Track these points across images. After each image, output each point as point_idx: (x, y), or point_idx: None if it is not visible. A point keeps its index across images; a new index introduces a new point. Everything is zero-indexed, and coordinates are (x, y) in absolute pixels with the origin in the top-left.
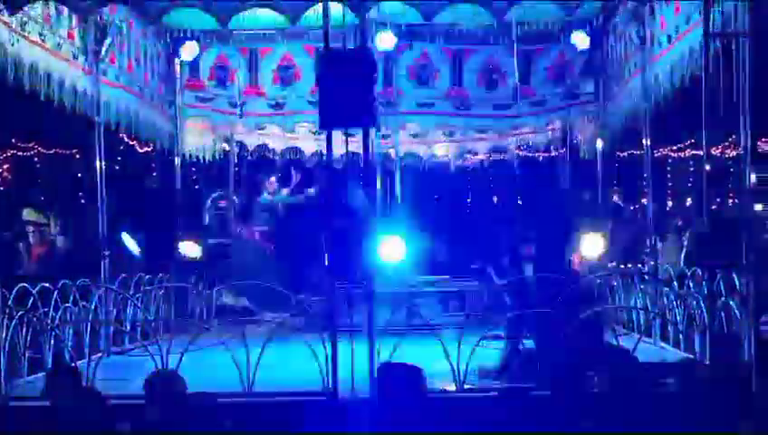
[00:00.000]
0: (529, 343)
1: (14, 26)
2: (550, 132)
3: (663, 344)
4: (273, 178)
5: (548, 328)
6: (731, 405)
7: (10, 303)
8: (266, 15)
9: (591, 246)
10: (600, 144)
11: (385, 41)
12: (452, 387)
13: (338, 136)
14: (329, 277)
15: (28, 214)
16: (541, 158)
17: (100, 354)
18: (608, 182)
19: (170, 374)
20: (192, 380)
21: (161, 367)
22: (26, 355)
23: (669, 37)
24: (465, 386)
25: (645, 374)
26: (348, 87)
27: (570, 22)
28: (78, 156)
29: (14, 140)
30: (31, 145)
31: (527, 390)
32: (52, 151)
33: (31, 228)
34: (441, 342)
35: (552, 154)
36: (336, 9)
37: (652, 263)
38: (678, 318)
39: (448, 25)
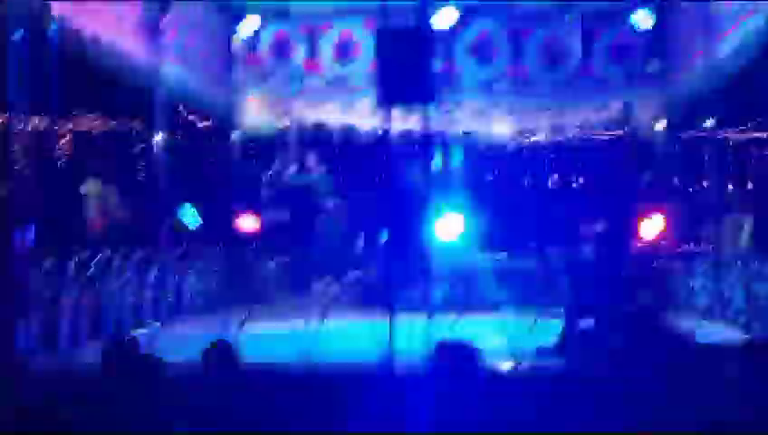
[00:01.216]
0: (587, 323)
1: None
2: (611, 112)
3: (724, 326)
4: (312, 156)
5: (607, 308)
6: None
7: (71, 272)
8: None
9: (651, 227)
10: (661, 125)
11: (445, 18)
12: (509, 365)
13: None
14: (387, 254)
15: (89, 186)
16: (601, 137)
17: (158, 324)
18: (669, 163)
19: (226, 345)
20: (249, 351)
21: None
22: (86, 324)
23: (735, 15)
24: (522, 364)
25: (705, 356)
26: (406, 63)
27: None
28: (138, 129)
29: (75, 113)
30: (92, 118)
31: (584, 369)
32: (113, 124)
33: (91, 200)
34: (498, 320)
35: (613, 134)
36: None
37: (713, 245)
38: (740, 300)
39: (508, 3)
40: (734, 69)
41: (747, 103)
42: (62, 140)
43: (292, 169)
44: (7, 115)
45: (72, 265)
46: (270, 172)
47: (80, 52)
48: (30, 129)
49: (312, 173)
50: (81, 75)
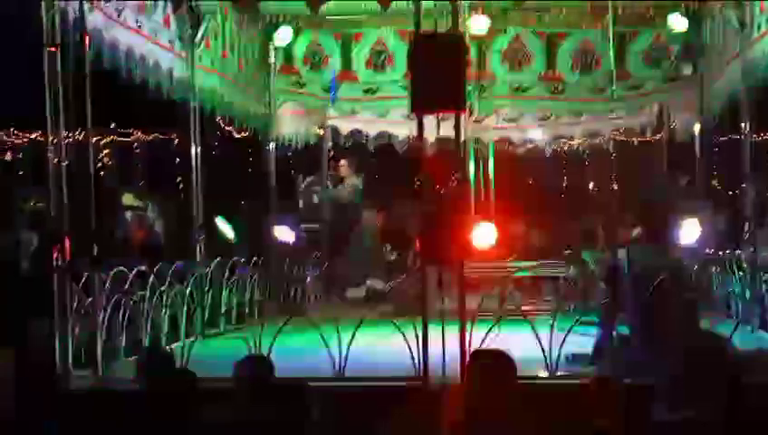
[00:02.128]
0: (623, 330)
1: (110, 13)
2: (646, 116)
3: (761, 332)
4: (342, 162)
5: (642, 315)
6: None
7: (107, 286)
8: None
9: (690, 231)
10: (697, 128)
11: (478, 25)
12: (544, 374)
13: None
14: (421, 261)
15: (127, 199)
16: (637, 142)
17: (194, 337)
18: (706, 167)
19: (258, 359)
20: (284, 363)
21: (253, 351)
22: (123, 338)
23: None
24: (558, 373)
25: (740, 362)
26: (439, 71)
27: (666, 4)
28: (176, 141)
29: (113, 126)
30: (130, 130)
31: (619, 377)
32: (150, 137)
33: (130, 213)
34: (533, 328)
35: (649, 138)
36: None
37: (750, 249)
38: None
39: (541, 9)
40: None
41: None
42: (101, 154)
43: (326, 180)
44: (46, 129)
45: (108, 278)
46: (306, 182)
47: (115, 65)
48: (68, 142)
49: (346, 183)
50: (117, 88)
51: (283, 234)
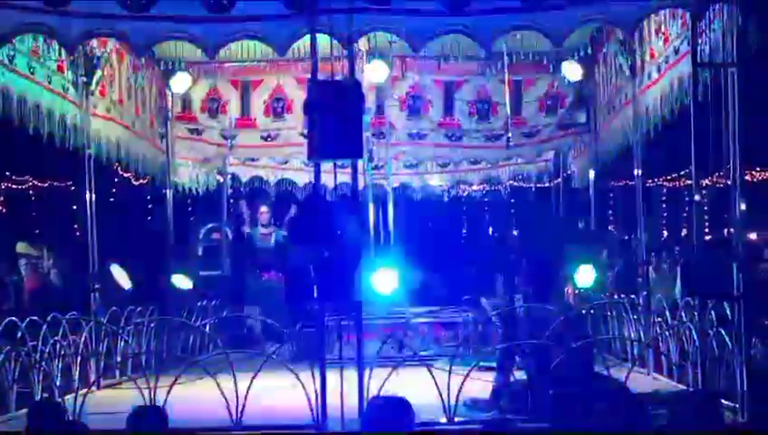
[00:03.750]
0: (520, 375)
1: (2, 60)
2: (543, 163)
3: (656, 375)
4: (264, 208)
5: (539, 359)
6: None
7: None
8: (254, 47)
9: (585, 276)
10: (592, 174)
11: (377, 72)
12: (442, 419)
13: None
14: (318, 308)
15: (21, 247)
16: (534, 188)
17: (87, 389)
18: (601, 212)
19: (153, 409)
20: (179, 414)
21: (148, 401)
22: (15, 389)
23: (659, 67)
24: (456, 418)
25: (636, 405)
26: (336, 118)
27: (560, 52)
28: (72, 189)
29: (8, 173)
30: (25, 178)
31: (516, 421)
32: (46, 184)
33: (24, 261)
34: (431, 374)
35: (546, 184)
36: (324, 41)
37: (645, 293)
38: (671, 348)
39: (438, 56)
40: (660, 118)
41: (675, 152)
42: None
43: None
44: None
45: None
46: (206, 228)
47: (7, 111)
48: None
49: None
50: (10, 135)
51: (181, 281)
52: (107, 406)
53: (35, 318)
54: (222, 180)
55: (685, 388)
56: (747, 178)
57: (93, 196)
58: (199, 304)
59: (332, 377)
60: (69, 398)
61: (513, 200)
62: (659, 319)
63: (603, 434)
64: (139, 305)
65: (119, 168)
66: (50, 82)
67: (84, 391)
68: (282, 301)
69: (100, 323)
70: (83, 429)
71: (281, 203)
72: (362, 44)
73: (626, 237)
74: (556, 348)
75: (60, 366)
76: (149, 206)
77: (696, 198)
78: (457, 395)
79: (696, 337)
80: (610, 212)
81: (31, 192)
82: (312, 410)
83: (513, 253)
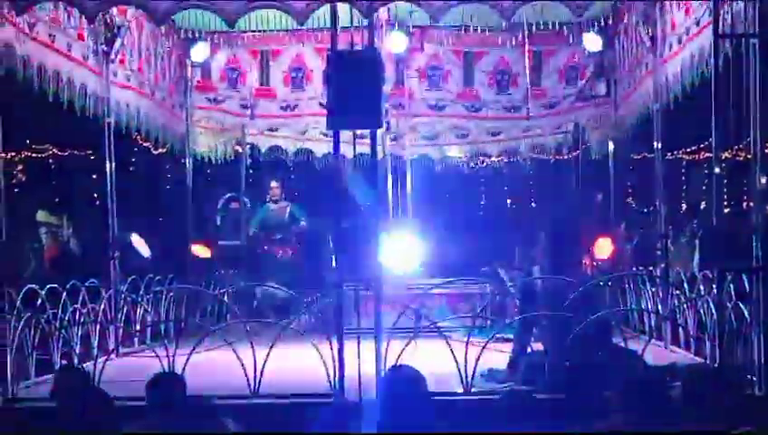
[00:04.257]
0: (537, 346)
1: (22, 27)
2: (562, 135)
3: (673, 347)
4: (274, 183)
5: (556, 331)
6: (736, 409)
7: (18, 304)
8: (274, 16)
9: (603, 248)
10: (611, 146)
11: (396, 42)
12: (459, 390)
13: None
14: (337, 278)
15: (42, 216)
16: (553, 160)
17: (106, 356)
18: (621, 184)
19: (170, 376)
20: (198, 382)
21: (166, 369)
22: (34, 356)
23: (680, 39)
24: (473, 389)
25: (653, 377)
26: (356, 88)
27: (580, 23)
28: (92, 157)
29: (28, 142)
30: (45, 147)
31: (534, 392)
32: (66, 153)
33: (44, 230)
34: (449, 344)
35: (565, 156)
36: (344, 10)
37: (663, 265)
38: (689, 321)
39: (458, 27)
40: (680, 90)
41: (696, 124)
42: (15, 169)
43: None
44: None
45: (18, 296)
46: (224, 199)
47: (28, 79)
48: None
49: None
50: (30, 104)
51: (199, 250)
52: (126, 374)
53: (55, 286)
54: (241, 150)
55: (702, 361)
56: (767, 150)
57: (113, 164)
58: (217, 272)
59: (350, 348)
60: (88, 365)
61: (531, 172)
62: (677, 292)
63: (620, 407)
64: (158, 274)
65: (138, 137)
66: (70, 51)
67: (103, 358)
68: (297, 278)
69: (119, 291)
70: (104, 395)
71: (298, 175)
72: (382, 14)
73: (644, 210)
74: (573, 320)
75: (79, 334)
76: (168, 175)
77: (716, 170)
78: (474, 366)
79: (713, 310)
80: (629, 184)
81: (51, 161)
82: (329, 380)
83: (532, 225)
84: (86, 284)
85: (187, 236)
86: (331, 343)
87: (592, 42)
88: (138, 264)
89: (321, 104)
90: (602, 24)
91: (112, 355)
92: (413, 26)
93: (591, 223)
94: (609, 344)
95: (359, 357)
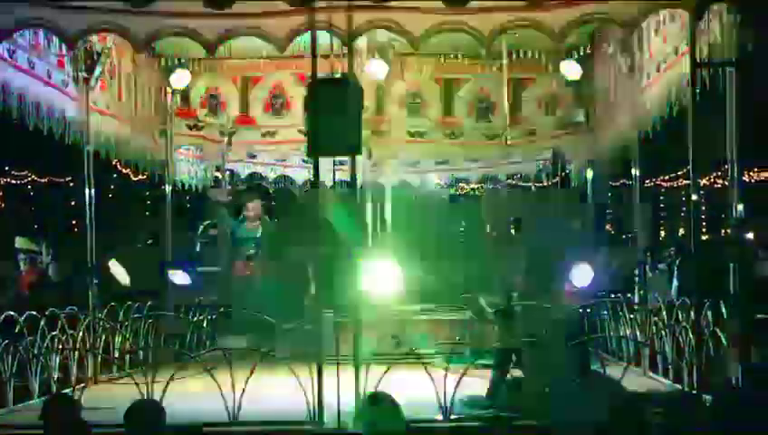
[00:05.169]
0: (517, 373)
1: (2, 54)
2: (541, 162)
3: (651, 374)
4: (251, 205)
5: (536, 357)
6: None
7: None
8: (254, 44)
9: (582, 275)
10: (590, 173)
11: (376, 70)
12: (438, 417)
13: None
14: (316, 305)
15: (20, 242)
16: (533, 187)
17: (84, 384)
18: (600, 212)
19: (150, 404)
20: (176, 409)
21: (145, 396)
22: (11, 384)
23: (658, 66)
24: (452, 416)
25: (632, 403)
26: (336, 115)
27: (559, 51)
28: (71, 184)
29: (7, 168)
30: (24, 173)
31: (513, 419)
32: (45, 180)
33: (23, 256)
34: (428, 371)
35: (544, 183)
36: (324, 38)
37: (642, 292)
38: (667, 348)
39: (438, 54)
40: (659, 117)
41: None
42: None
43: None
44: None
45: None
46: (203, 225)
47: (7, 106)
48: None
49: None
50: (9, 130)
51: (179, 277)
52: (104, 401)
53: (34, 313)
54: (221, 177)
55: (680, 387)
56: (745, 178)
57: (92, 191)
58: (197, 299)
59: (329, 374)
60: (66, 392)
61: (511, 199)
62: (656, 318)
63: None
64: (137, 301)
65: (118, 163)
66: (50, 78)
67: (82, 385)
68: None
69: (97, 318)
70: (85, 423)
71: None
72: (362, 42)
73: (623, 236)
74: (552, 346)
75: (57, 361)
76: (148, 202)
77: (694, 197)
78: (454, 393)
79: (692, 337)
80: (608, 211)
81: (30, 187)
82: (308, 407)
83: (511, 251)
84: (65, 311)
85: (165, 263)
86: (310, 370)
87: (571, 70)
88: (116, 291)
89: (300, 131)
90: (581, 52)
91: (90, 383)
92: (393, 54)
93: (570, 250)
94: (588, 371)
95: (338, 384)
